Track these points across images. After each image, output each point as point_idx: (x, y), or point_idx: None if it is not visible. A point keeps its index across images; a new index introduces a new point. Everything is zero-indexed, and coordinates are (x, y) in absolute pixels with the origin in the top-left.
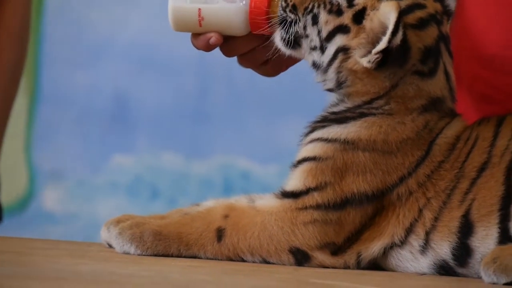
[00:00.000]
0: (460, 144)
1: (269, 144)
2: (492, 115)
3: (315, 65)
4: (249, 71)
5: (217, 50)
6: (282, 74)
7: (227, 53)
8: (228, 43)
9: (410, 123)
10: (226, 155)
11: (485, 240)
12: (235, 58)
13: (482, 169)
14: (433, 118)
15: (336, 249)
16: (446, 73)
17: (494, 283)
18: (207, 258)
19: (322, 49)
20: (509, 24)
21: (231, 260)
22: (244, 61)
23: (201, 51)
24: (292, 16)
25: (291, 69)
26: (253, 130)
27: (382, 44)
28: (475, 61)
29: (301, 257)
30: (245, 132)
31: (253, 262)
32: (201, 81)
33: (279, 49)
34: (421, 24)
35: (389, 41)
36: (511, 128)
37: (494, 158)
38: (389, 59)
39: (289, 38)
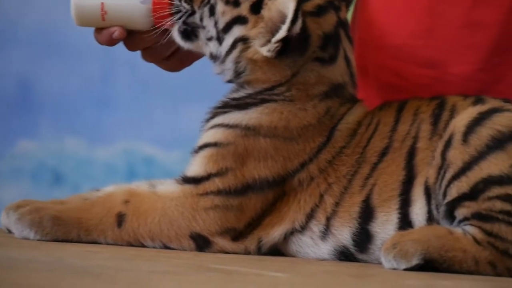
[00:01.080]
0: (361, 130)
1: (172, 130)
2: (394, 100)
3: (213, 56)
4: None
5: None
6: None
7: (131, 47)
8: (132, 37)
9: (312, 110)
10: (130, 141)
11: (385, 226)
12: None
13: (383, 154)
14: (334, 104)
15: (237, 235)
16: (347, 59)
17: (394, 269)
18: (108, 244)
19: (219, 40)
20: (417, 14)
21: (132, 245)
22: (148, 55)
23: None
24: (187, 6)
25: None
26: (156, 116)
27: (282, 33)
28: (383, 51)
29: (202, 243)
30: (149, 118)
31: (154, 247)
32: (105, 67)
33: (177, 43)
34: (320, 11)
35: (289, 30)
36: (412, 113)
37: (395, 143)
38: (289, 47)
39: (185, 29)
